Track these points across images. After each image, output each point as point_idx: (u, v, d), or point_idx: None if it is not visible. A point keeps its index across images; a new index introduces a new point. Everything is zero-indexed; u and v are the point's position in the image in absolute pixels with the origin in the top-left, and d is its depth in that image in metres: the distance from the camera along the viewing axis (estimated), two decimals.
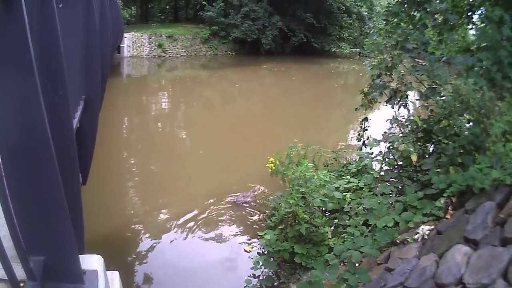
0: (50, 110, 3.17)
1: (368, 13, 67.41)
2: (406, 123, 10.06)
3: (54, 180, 3.18)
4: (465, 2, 12.95)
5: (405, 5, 10.83)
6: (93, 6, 8.23)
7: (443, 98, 9.22)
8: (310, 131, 23.23)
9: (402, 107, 10.19)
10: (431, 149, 10.30)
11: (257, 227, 11.19)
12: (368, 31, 62.53)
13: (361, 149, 12.22)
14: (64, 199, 3.32)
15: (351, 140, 18.74)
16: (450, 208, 7.91)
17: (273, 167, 10.50)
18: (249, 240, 10.81)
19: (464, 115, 8.50)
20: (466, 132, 8.33)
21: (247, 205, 12.62)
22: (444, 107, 8.94)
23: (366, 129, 12.27)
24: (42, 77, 3.04)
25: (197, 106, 29.28)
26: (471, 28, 13.65)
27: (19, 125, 2.88)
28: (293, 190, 9.26)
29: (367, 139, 12.10)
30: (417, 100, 11.43)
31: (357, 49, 61.34)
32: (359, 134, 12.35)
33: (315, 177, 9.39)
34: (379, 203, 8.90)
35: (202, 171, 15.95)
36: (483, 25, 11.34)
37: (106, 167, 14.60)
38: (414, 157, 8.94)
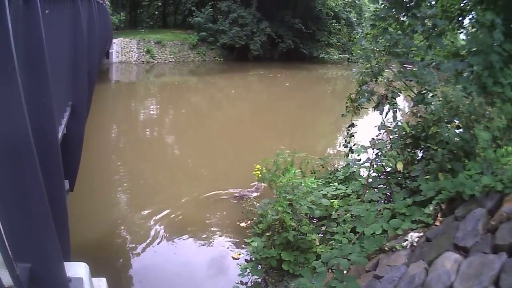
0: (33, 117, 3.14)
1: (357, 19, 67.48)
2: (394, 129, 9.99)
3: (37, 187, 3.15)
4: (456, 7, 12.90)
5: (393, 10, 10.72)
6: (81, 12, 8.19)
7: (432, 104, 9.13)
8: (298, 137, 23.38)
9: (390, 112, 10.11)
10: (420, 155, 10.19)
11: (245, 233, 11.08)
12: (356, 36, 62.91)
13: (347, 155, 12.16)
14: (47, 206, 3.30)
15: (339, 146, 18.67)
16: (439, 215, 7.82)
17: (260, 175, 10.44)
18: (236, 246, 10.76)
19: (453, 122, 8.42)
20: (456, 139, 8.23)
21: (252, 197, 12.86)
22: (433, 113, 8.86)
23: (353, 135, 12.18)
24: (26, 85, 3.02)
25: (185, 112, 29.24)
26: (461, 33, 13.63)
27: (1, 132, 2.83)
28: (280, 197, 9.23)
29: (354, 145, 12.06)
30: (405, 107, 11.37)
31: (346, 55, 61.55)
32: (345, 140, 12.27)
33: (302, 184, 9.34)
34: (367, 210, 8.81)
35: (190, 177, 15.98)
36: (473, 29, 11.35)
37: (93, 172, 14.56)
38: (400, 166, 8.97)
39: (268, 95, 37.50)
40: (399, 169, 9.03)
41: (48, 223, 3.33)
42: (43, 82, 3.86)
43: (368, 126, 16.17)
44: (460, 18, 13.02)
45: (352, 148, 11.98)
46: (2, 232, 2.89)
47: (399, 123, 10.04)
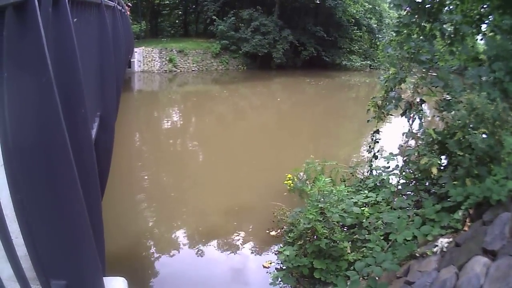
0: (69, 128, 3.12)
1: (377, 25, 67.07)
2: (421, 136, 10.03)
3: (75, 193, 3.12)
4: (475, 11, 12.89)
5: (416, 16, 10.77)
6: (107, 21, 8.24)
7: (458, 110, 9.17)
8: (323, 144, 23.38)
9: (417, 119, 10.14)
10: (446, 161, 10.24)
11: (275, 242, 11.22)
12: (378, 43, 62.77)
13: (371, 161, 12.33)
14: (86, 216, 3.28)
15: (364, 152, 18.59)
16: (467, 220, 7.96)
17: (292, 184, 10.47)
18: (267, 255, 10.82)
19: (479, 128, 8.46)
20: (481, 145, 8.26)
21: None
22: (459, 120, 8.90)
23: (377, 142, 12.40)
24: (62, 95, 3.00)
25: (209, 121, 29.09)
26: (481, 39, 13.62)
27: (40, 143, 2.83)
28: (311, 205, 9.31)
29: (378, 152, 12.29)
30: (433, 114, 11.36)
31: (368, 62, 61.22)
32: (369, 146, 12.46)
33: (334, 192, 9.44)
34: (398, 217, 8.93)
35: (216, 187, 15.87)
36: (491, 34, 11.36)
37: (118, 181, 14.54)
38: (435, 170, 8.96)
39: (292, 103, 37.29)
40: (433, 173, 9.02)
41: (87, 234, 3.30)
42: (78, 92, 3.90)
43: (391, 131, 16.22)
44: (479, 23, 13.02)
45: (376, 154, 12.22)
46: (36, 245, 2.91)
47: (426, 130, 10.05)
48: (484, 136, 8.39)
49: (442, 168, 9.94)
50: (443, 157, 10.30)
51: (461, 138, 8.76)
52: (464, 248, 7.01)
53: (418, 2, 10.72)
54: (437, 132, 9.91)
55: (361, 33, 64.95)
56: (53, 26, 3.54)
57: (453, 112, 9.44)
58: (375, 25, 66.07)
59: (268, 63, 53.69)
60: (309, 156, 12.95)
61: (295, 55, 56.67)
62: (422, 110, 10.28)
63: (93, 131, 6.19)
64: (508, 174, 7.51)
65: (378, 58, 57.93)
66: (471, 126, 8.63)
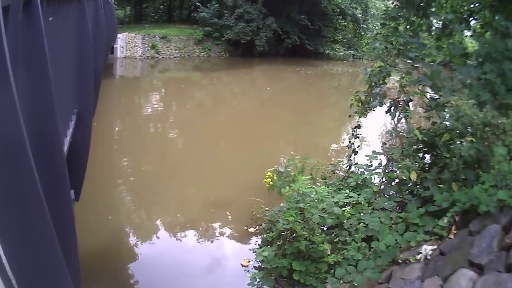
0: (36, 123, 3.24)
1: (362, 15, 67.11)
2: (407, 136, 9.76)
3: (36, 199, 2.92)
4: (465, 8, 12.64)
5: (404, 10, 10.47)
6: (87, 16, 8.01)
7: (445, 112, 8.89)
8: (305, 134, 23.46)
9: (403, 118, 9.85)
10: (430, 159, 10.11)
11: (253, 239, 11.12)
12: (363, 33, 62.89)
13: (350, 156, 12.02)
14: (56, 242, 3.13)
15: (344, 142, 18.38)
16: (453, 227, 7.77)
17: (271, 182, 10.31)
18: (245, 252, 10.63)
19: (467, 134, 8.17)
20: (468, 153, 7.96)
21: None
22: (446, 124, 8.63)
23: (358, 137, 12.10)
24: (27, 92, 3.19)
25: (190, 109, 29.01)
26: (471, 35, 13.42)
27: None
28: (290, 206, 9.11)
29: (358, 147, 12.00)
30: (419, 115, 11.07)
31: (351, 52, 61.14)
32: (350, 141, 12.10)
33: (314, 193, 9.17)
34: (380, 220, 8.73)
35: (197, 179, 15.73)
36: (481, 30, 11.12)
37: (98, 172, 14.22)
38: (414, 176, 8.79)
39: (273, 91, 37.46)
40: (412, 179, 8.77)
41: (55, 259, 3.13)
42: (46, 89, 3.74)
43: (372, 125, 16.06)
44: (470, 19, 12.80)
45: (356, 150, 11.92)
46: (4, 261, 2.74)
47: (411, 129, 9.78)
48: (470, 144, 8.08)
49: (427, 167, 9.71)
50: (428, 155, 10.15)
51: (448, 140, 8.48)
52: (449, 258, 6.85)
53: None
54: (423, 133, 9.70)
55: (345, 23, 65.10)
56: (23, 29, 3.44)
57: (439, 112, 9.16)
58: (360, 15, 66.16)
59: (250, 50, 53.54)
60: (290, 146, 12.87)
61: (278, 43, 56.57)
62: (408, 109, 9.97)
63: (69, 130, 6.12)
64: (497, 182, 7.27)
65: (362, 48, 58.01)
66: (458, 132, 8.34)
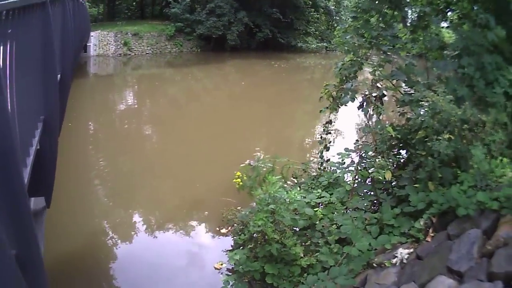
0: None
1: (335, 7, 67.14)
2: (380, 133, 9.40)
3: None
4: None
5: (376, 2, 10.12)
6: (51, 21, 7.77)
7: (420, 108, 8.51)
8: (278, 127, 23.52)
9: (375, 114, 9.51)
10: (406, 155, 9.74)
11: (227, 241, 10.89)
12: (336, 25, 62.74)
13: (322, 152, 11.71)
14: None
15: (317, 136, 18.18)
16: (430, 229, 7.45)
17: (240, 182, 10.52)
18: (218, 254, 10.44)
19: (444, 132, 7.78)
20: (445, 151, 7.58)
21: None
22: (421, 121, 8.25)
23: (330, 132, 11.76)
24: None
25: (164, 106, 29.03)
26: (447, 27, 13.16)
27: None
28: (261, 209, 8.89)
29: (330, 143, 11.67)
30: (392, 109, 10.72)
31: (324, 44, 61.21)
32: (321, 137, 11.76)
33: (285, 196, 8.91)
34: (354, 226, 8.37)
35: (170, 178, 15.69)
36: (458, 21, 10.81)
37: (72, 173, 14.39)
38: (388, 175, 8.47)
39: (245, 86, 37.39)
40: (387, 178, 8.43)
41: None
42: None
43: (346, 119, 15.86)
44: (446, 11, 12.51)
45: (328, 146, 11.61)
46: None
47: (384, 127, 9.43)
48: (447, 142, 7.69)
49: (402, 164, 9.44)
50: (403, 151, 9.88)
51: (423, 137, 8.10)
52: (426, 263, 6.59)
53: None
54: (396, 129, 9.39)
55: (318, 15, 65.13)
56: None
57: (414, 108, 8.82)
58: (333, 7, 66.29)
59: (222, 45, 53.42)
60: (264, 141, 12.68)
61: (250, 37, 56.53)
62: (380, 106, 9.63)
63: (35, 140, 5.95)
64: (477, 183, 6.94)
65: (335, 40, 58.15)
66: (434, 129, 7.96)
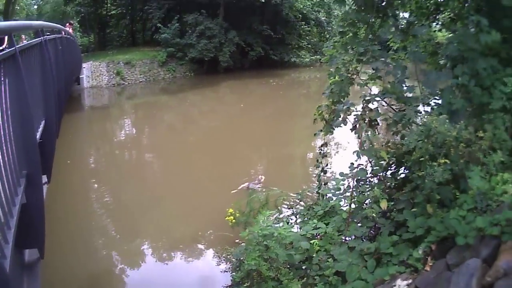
0: None
1: (326, 18, 67.22)
2: (375, 155, 8.91)
3: None
4: (432, 1, 11.94)
5: (362, 13, 9.64)
6: (23, 77, 7.24)
7: (414, 132, 7.98)
8: (274, 147, 23.54)
9: (367, 140, 9.07)
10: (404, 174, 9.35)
11: (225, 278, 10.43)
12: (328, 36, 63.04)
13: (319, 176, 11.34)
14: None
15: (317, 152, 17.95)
16: (429, 257, 7.04)
17: (233, 220, 10.56)
18: None
19: (440, 156, 7.25)
20: (442, 178, 7.05)
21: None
22: (414, 147, 7.75)
23: (326, 155, 11.48)
24: None
25: (161, 134, 28.87)
26: (439, 30, 12.78)
27: None
28: (253, 248, 8.64)
29: (326, 166, 11.36)
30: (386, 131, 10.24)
31: (318, 56, 61.09)
32: (317, 161, 11.38)
33: (277, 230, 8.68)
34: (350, 262, 7.96)
35: (168, 210, 15.17)
36: (449, 22, 10.48)
37: (72, 199, 14.82)
38: (384, 205, 8.02)
39: (241, 106, 37.42)
40: (383, 208, 7.94)
41: None
42: None
43: (342, 137, 15.57)
44: (437, 13, 12.12)
45: (325, 169, 11.28)
46: None
47: (377, 152, 9.03)
48: (444, 166, 7.15)
49: (400, 184, 9.06)
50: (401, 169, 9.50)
51: (418, 157, 7.59)
52: None
53: None
54: (390, 152, 9.18)
55: (309, 28, 65.50)
56: None
57: (408, 134, 8.31)
58: (324, 18, 66.48)
59: (215, 67, 53.58)
60: (264, 162, 12.44)
61: (242, 57, 56.81)
62: (372, 131, 9.24)
63: (17, 198, 5.78)
64: (477, 204, 6.53)
65: (323, 59, 58.47)
66: (429, 154, 7.43)
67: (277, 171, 17.04)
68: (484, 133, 7.23)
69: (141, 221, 14.21)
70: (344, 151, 17.83)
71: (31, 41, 9.39)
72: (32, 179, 6.64)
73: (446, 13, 12.16)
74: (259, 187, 14.87)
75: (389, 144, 9.52)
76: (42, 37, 10.69)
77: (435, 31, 12.86)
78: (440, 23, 12.48)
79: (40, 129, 9.02)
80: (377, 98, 8.92)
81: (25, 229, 5.95)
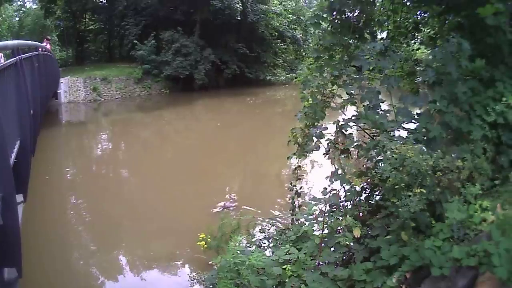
0: None
1: (303, 35, 67.34)
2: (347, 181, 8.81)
3: None
4: (410, 20, 12.02)
5: (338, 35, 9.60)
6: None
7: (387, 160, 7.78)
8: (250, 164, 24.17)
9: (340, 169, 8.94)
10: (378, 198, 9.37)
11: None
12: (304, 53, 63.26)
13: (293, 198, 11.16)
14: None
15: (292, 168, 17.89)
16: (404, 286, 6.84)
17: (205, 245, 10.49)
18: None
19: (415, 185, 7.08)
20: (416, 208, 6.87)
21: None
22: (388, 176, 7.56)
23: (300, 178, 11.23)
24: None
25: (136, 151, 29.09)
26: (418, 49, 12.80)
27: None
28: (222, 277, 8.37)
29: (300, 188, 11.28)
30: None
31: (293, 75, 60.98)
32: (291, 184, 11.17)
33: (248, 257, 8.43)
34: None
35: (140, 230, 14.95)
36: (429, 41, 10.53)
37: (51, 216, 14.94)
38: (357, 232, 7.90)
39: (215, 125, 37.53)
40: (356, 236, 7.83)
41: None
42: None
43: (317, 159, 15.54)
44: (415, 32, 12.16)
45: (299, 191, 11.11)
46: None
47: (350, 180, 8.89)
48: (419, 196, 6.98)
49: (373, 207, 9.06)
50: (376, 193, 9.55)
51: (394, 184, 7.39)
52: None
53: (340, 19, 9.72)
54: (364, 178, 9.12)
55: (285, 46, 65.77)
56: None
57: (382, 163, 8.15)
58: (300, 36, 66.55)
59: (190, 84, 53.77)
60: (239, 181, 12.41)
61: (217, 74, 57.03)
62: (347, 156, 9.24)
63: None
64: (453, 233, 6.43)
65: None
66: (403, 184, 7.27)
67: (252, 189, 17.17)
68: (463, 162, 7.14)
69: (117, 239, 14.19)
70: (320, 168, 17.83)
71: (4, 63, 9.39)
72: (7, 201, 6.64)
73: (425, 31, 12.18)
74: (234, 206, 15.15)
75: (362, 169, 9.41)
76: (17, 57, 10.59)
77: (412, 50, 12.86)
78: (419, 41, 12.50)
79: (16, 149, 9.08)
80: (351, 123, 8.86)
81: (2, 249, 6.11)
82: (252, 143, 28.88)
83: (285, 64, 66.06)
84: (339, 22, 9.67)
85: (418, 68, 11.45)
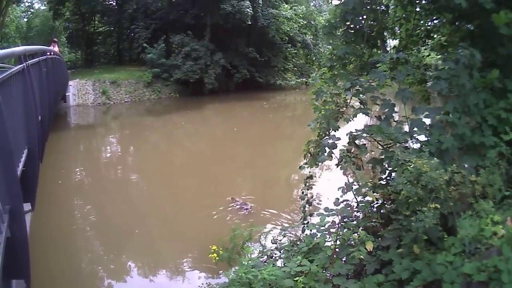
0: None
1: (313, 40, 67.04)
2: (360, 190, 8.75)
3: None
4: (422, 28, 11.91)
5: (352, 44, 9.60)
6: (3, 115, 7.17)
7: (402, 174, 7.69)
8: (263, 169, 23.52)
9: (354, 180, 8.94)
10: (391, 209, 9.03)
11: None
12: (314, 58, 62.98)
13: (304, 207, 11.03)
14: None
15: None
16: None
17: (217, 257, 10.30)
18: None
19: (429, 204, 7.01)
20: (431, 223, 6.80)
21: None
22: (402, 191, 7.49)
23: (311, 187, 11.12)
24: None
25: (146, 155, 28.60)
26: (428, 55, 12.73)
27: None
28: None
29: (312, 197, 11.14)
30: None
31: (303, 79, 61.17)
32: (302, 193, 11.13)
33: (260, 271, 8.46)
34: None
35: (150, 238, 14.83)
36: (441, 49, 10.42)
37: (60, 222, 14.81)
38: (369, 246, 7.78)
39: (225, 129, 37.38)
40: (369, 249, 7.74)
41: None
42: None
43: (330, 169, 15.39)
44: (427, 40, 12.06)
45: (310, 201, 11.01)
46: None
47: (364, 193, 8.87)
48: (433, 211, 6.91)
49: (385, 218, 8.92)
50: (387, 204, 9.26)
51: (407, 197, 7.33)
52: None
53: (354, 29, 9.77)
54: (379, 192, 8.93)
55: (295, 50, 65.34)
56: None
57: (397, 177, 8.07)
58: (311, 40, 66.12)
59: (200, 89, 53.43)
60: (250, 186, 12.49)
61: (227, 79, 56.79)
62: (359, 167, 9.09)
63: (1, 236, 5.83)
64: (465, 247, 6.39)
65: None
66: (417, 199, 7.20)
67: (265, 194, 17.05)
68: (477, 177, 7.07)
69: (126, 245, 14.09)
70: (331, 174, 17.49)
71: (11, 71, 9.11)
72: (14, 213, 6.58)
73: (436, 38, 12.09)
74: (250, 208, 15.35)
75: (375, 180, 9.31)
76: (24, 63, 10.52)
77: (423, 56, 12.79)
78: (430, 47, 12.42)
79: (23, 158, 8.92)
80: (364, 134, 8.79)
81: (10, 260, 5.91)
82: (263, 148, 28.61)
83: (295, 68, 65.69)
84: (352, 31, 9.64)
85: (428, 73, 11.34)
